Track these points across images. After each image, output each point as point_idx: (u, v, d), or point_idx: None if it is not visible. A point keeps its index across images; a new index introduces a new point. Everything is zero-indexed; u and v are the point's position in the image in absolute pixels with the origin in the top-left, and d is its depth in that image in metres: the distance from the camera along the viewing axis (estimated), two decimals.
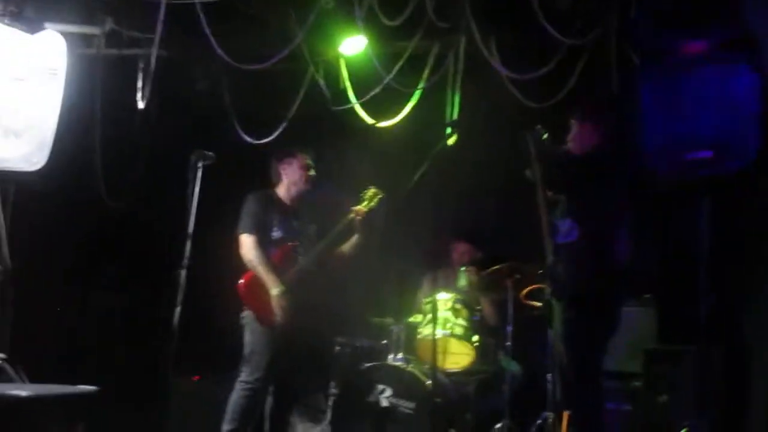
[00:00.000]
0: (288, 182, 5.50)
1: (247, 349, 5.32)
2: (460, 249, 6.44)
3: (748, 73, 3.85)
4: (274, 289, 5.24)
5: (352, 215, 5.43)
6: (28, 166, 4.82)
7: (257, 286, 5.29)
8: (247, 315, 5.34)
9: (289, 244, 5.44)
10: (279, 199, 5.51)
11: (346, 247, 5.54)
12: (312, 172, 5.47)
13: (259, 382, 5.26)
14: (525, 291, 5.70)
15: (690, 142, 3.84)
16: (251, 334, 5.32)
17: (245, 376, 5.29)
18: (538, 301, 5.70)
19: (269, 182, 5.55)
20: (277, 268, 5.33)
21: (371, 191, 5.55)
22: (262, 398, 5.32)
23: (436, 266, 6.32)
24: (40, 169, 4.82)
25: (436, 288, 5.94)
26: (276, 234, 5.42)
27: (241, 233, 5.32)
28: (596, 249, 4.29)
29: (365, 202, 5.51)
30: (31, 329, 5.33)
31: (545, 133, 4.42)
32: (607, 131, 4.47)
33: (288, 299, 5.23)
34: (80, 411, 4.31)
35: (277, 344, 5.26)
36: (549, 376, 5.61)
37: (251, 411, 5.29)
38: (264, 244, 5.35)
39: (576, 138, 4.56)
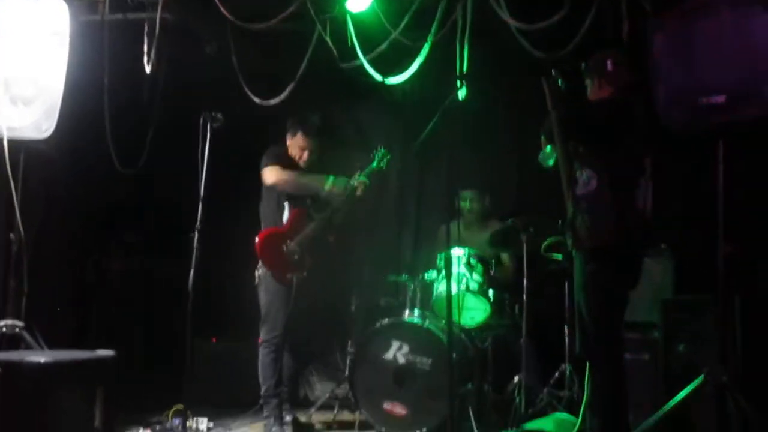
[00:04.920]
0: (292, 152, 5.54)
1: (264, 309, 5.39)
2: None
3: (766, 17, 3.74)
4: (326, 185, 5.37)
5: (355, 186, 5.49)
6: (37, 134, 4.80)
7: (273, 243, 5.35)
8: (262, 274, 5.38)
9: (302, 206, 5.46)
10: (293, 160, 5.52)
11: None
12: (306, 156, 5.50)
13: (278, 338, 5.32)
14: (545, 244, 5.67)
15: (704, 89, 3.76)
16: (267, 293, 5.38)
17: (264, 334, 5.37)
18: (558, 253, 5.68)
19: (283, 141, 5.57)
20: (291, 228, 5.38)
21: (381, 152, 5.56)
22: (281, 355, 5.37)
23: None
24: (49, 137, 4.80)
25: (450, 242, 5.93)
26: (291, 195, 5.44)
27: (266, 165, 5.38)
28: (616, 199, 4.24)
29: (375, 162, 5.53)
30: (47, 297, 5.36)
31: (560, 78, 4.35)
32: (622, 80, 4.40)
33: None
34: (99, 375, 4.35)
35: (292, 302, 5.30)
36: (566, 328, 5.67)
37: (279, 368, 5.36)
38: (279, 204, 5.39)
39: (593, 90, 4.51)
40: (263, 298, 5.39)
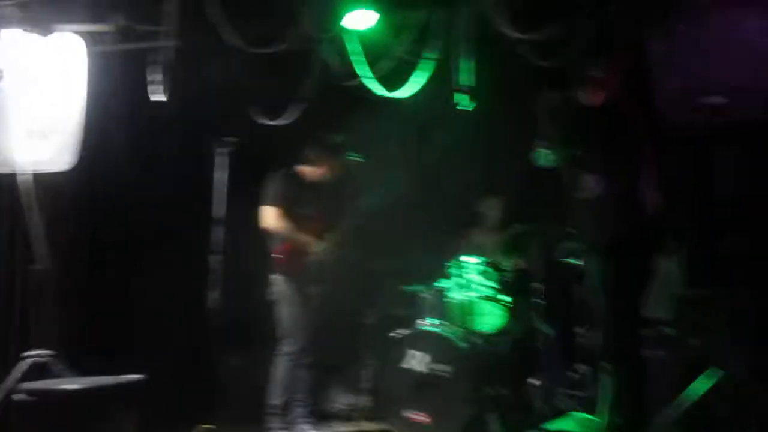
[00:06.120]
0: (316, 172, 5.62)
1: (287, 322, 5.44)
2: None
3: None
4: (317, 247, 5.45)
5: None
6: (57, 167, 4.89)
7: (296, 256, 5.45)
8: (284, 287, 5.45)
9: (320, 220, 5.57)
10: (304, 177, 5.62)
11: None
12: (330, 176, 5.63)
13: (299, 351, 5.40)
14: (560, 248, 5.74)
15: (705, 88, 3.83)
16: (290, 306, 5.43)
17: (288, 347, 5.42)
18: (572, 257, 5.75)
19: (297, 159, 5.66)
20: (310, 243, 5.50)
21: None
22: (298, 367, 5.45)
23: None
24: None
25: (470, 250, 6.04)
26: (307, 210, 5.54)
27: (266, 203, 5.45)
28: (623, 200, 4.32)
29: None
30: (75, 324, 5.45)
31: (553, 94, 4.44)
32: (616, 85, 4.48)
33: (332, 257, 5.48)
34: (130, 399, 4.44)
35: (314, 316, 5.41)
36: (581, 329, 5.73)
37: (297, 382, 5.43)
38: (296, 219, 5.48)
39: (588, 96, 4.58)
40: (286, 311, 5.44)
